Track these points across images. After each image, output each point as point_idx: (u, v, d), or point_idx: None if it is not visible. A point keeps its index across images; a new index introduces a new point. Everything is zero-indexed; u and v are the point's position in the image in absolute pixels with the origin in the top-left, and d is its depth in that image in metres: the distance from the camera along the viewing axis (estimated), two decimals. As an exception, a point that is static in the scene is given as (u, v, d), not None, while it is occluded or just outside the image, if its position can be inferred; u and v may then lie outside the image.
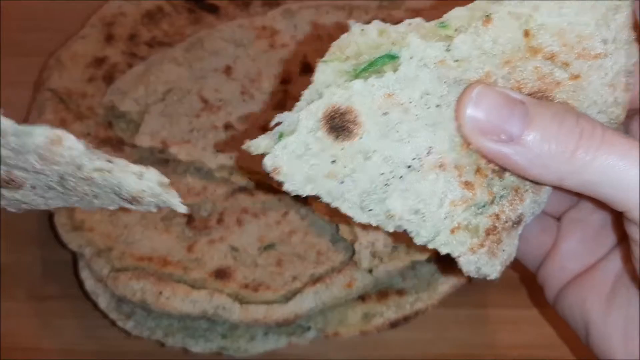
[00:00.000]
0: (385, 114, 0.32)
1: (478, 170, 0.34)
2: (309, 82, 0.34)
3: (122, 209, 0.33)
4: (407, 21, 0.34)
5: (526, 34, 0.32)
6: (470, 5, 0.33)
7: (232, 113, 0.67)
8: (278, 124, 0.33)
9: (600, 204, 0.34)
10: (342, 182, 0.33)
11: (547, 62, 0.33)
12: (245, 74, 0.70)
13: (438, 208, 0.34)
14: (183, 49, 0.71)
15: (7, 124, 0.27)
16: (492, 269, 0.36)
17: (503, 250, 0.36)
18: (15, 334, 0.61)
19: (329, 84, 0.33)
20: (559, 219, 0.44)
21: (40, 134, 0.27)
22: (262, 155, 0.33)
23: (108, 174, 0.29)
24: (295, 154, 0.32)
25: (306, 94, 0.33)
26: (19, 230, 0.67)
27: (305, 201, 0.62)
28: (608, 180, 0.32)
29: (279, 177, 0.33)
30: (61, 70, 0.71)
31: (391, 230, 0.35)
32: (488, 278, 0.36)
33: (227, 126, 0.66)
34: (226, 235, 0.61)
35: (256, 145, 0.33)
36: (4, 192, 0.32)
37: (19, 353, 0.60)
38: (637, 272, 0.35)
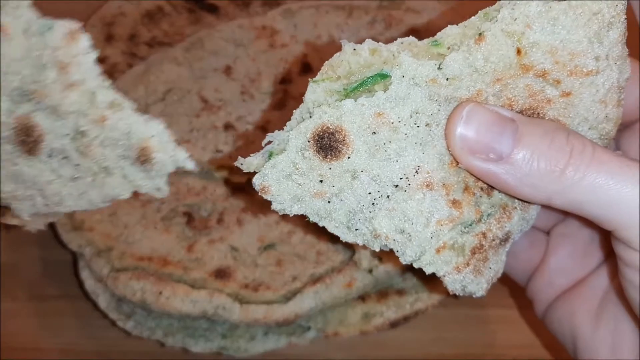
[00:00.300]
0: (374, 133, 0.32)
1: (466, 189, 0.34)
2: (308, 82, 0.34)
3: (126, 203, 0.34)
4: (399, 40, 0.34)
5: (518, 51, 0.32)
6: (464, 23, 0.33)
7: (232, 113, 0.67)
8: (269, 142, 0.34)
9: (588, 222, 0.33)
10: (329, 202, 0.34)
11: (539, 79, 0.33)
12: (245, 74, 0.70)
13: (424, 227, 0.34)
14: (183, 49, 0.71)
15: (32, 16, 0.31)
16: (478, 287, 0.36)
17: (490, 268, 0.36)
18: (15, 334, 0.61)
19: (320, 103, 0.33)
20: (548, 232, 0.44)
21: (60, 26, 0.31)
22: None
23: (120, 112, 0.32)
24: (284, 173, 0.33)
25: (297, 113, 0.34)
26: (19, 230, 0.67)
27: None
28: (596, 200, 0.31)
29: (267, 196, 0.33)
30: (61, 70, 0.71)
31: (377, 249, 0.35)
32: (474, 296, 0.36)
33: (227, 126, 0.66)
34: (226, 235, 0.61)
35: (248, 163, 0.34)
36: (20, 161, 0.33)
37: (19, 353, 0.60)
38: (624, 289, 0.35)
